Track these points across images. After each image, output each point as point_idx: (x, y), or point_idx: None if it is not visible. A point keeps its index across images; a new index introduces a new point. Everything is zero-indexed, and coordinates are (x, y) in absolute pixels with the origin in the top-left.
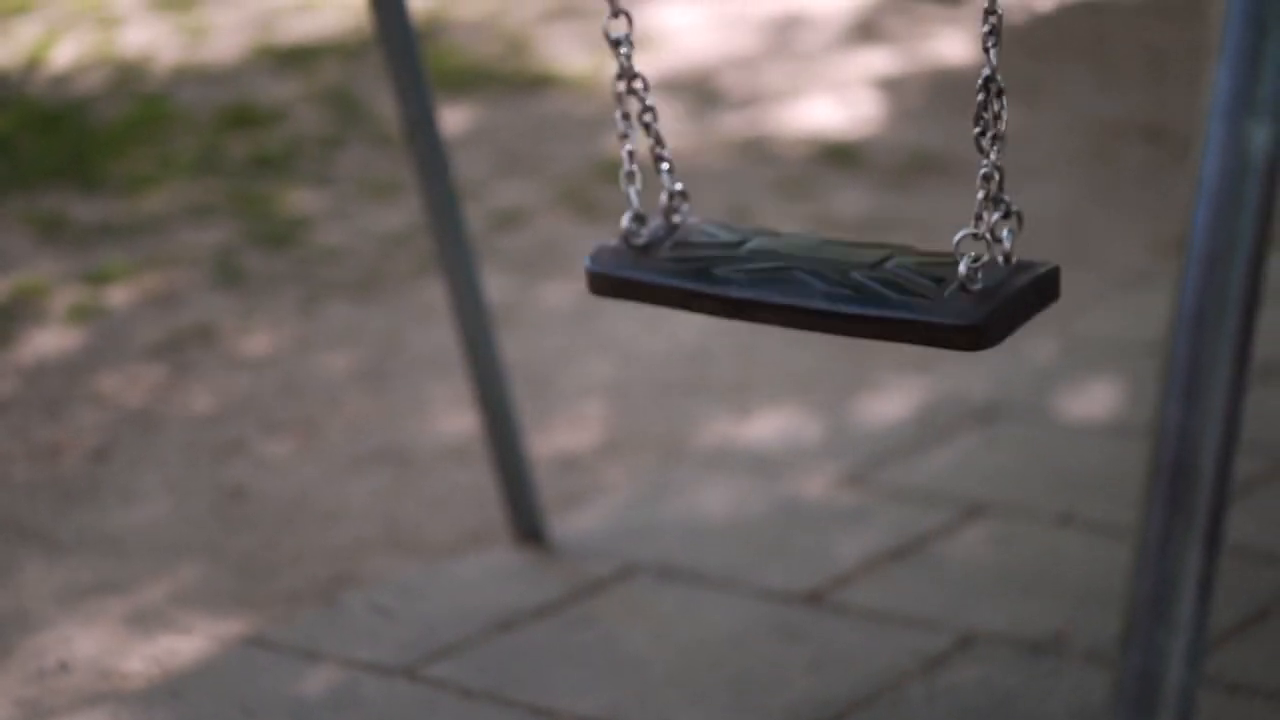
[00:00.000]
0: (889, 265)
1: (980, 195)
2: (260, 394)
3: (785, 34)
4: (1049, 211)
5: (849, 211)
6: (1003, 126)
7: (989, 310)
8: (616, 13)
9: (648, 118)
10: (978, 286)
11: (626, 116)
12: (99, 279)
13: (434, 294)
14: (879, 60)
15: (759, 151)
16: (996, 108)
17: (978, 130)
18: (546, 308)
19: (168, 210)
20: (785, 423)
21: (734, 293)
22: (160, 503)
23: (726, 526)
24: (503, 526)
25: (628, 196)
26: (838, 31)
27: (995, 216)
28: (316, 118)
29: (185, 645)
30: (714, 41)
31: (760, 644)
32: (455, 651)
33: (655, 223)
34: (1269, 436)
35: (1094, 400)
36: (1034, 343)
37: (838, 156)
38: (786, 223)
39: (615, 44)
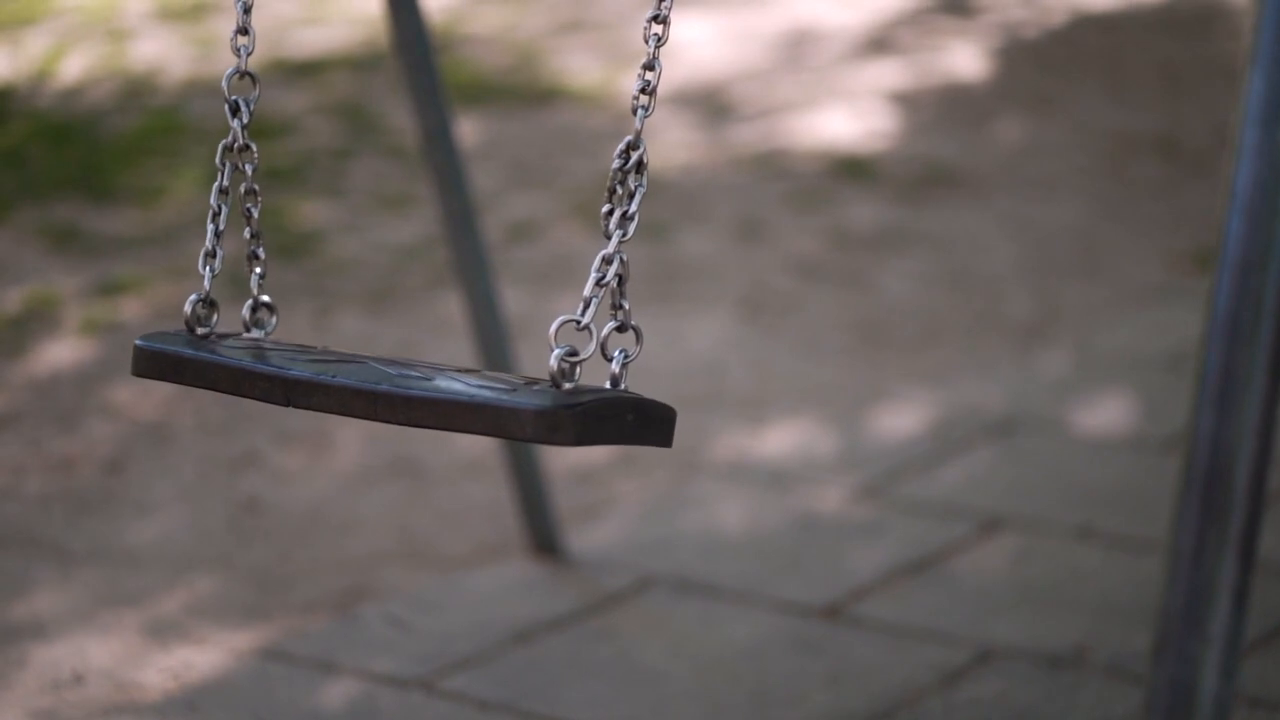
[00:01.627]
0: (481, 372)
1: (592, 279)
2: (274, 406)
3: (797, 47)
4: (1064, 226)
5: (862, 224)
6: (635, 206)
7: (575, 403)
8: (242, 74)
9: (249, 202)
10: (569, 385)
11: (224, 191)
12: (111, 290)
13: (448, 306)
14: (891, 73)
15: (771, 164)
16: (633, 184)
17: (606, 208)
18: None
19: (179, 222)
20: (801, 436)
21: (292, 373)
22: (174, 515)
23: (743, 540)
24: (518, 539)
25: (202, 278)
26: (850, 45)
27: (609, 327)
28: (328, 130)
29: (200, 657)
30: (727, 55)
31: (778, 658)
32: (472, 664)
33: (230, 329)
34: None
35: (1111, 414)
36: (1049, 356)
37: (850, 169)
38: (800, 235)
39: (234, 109)
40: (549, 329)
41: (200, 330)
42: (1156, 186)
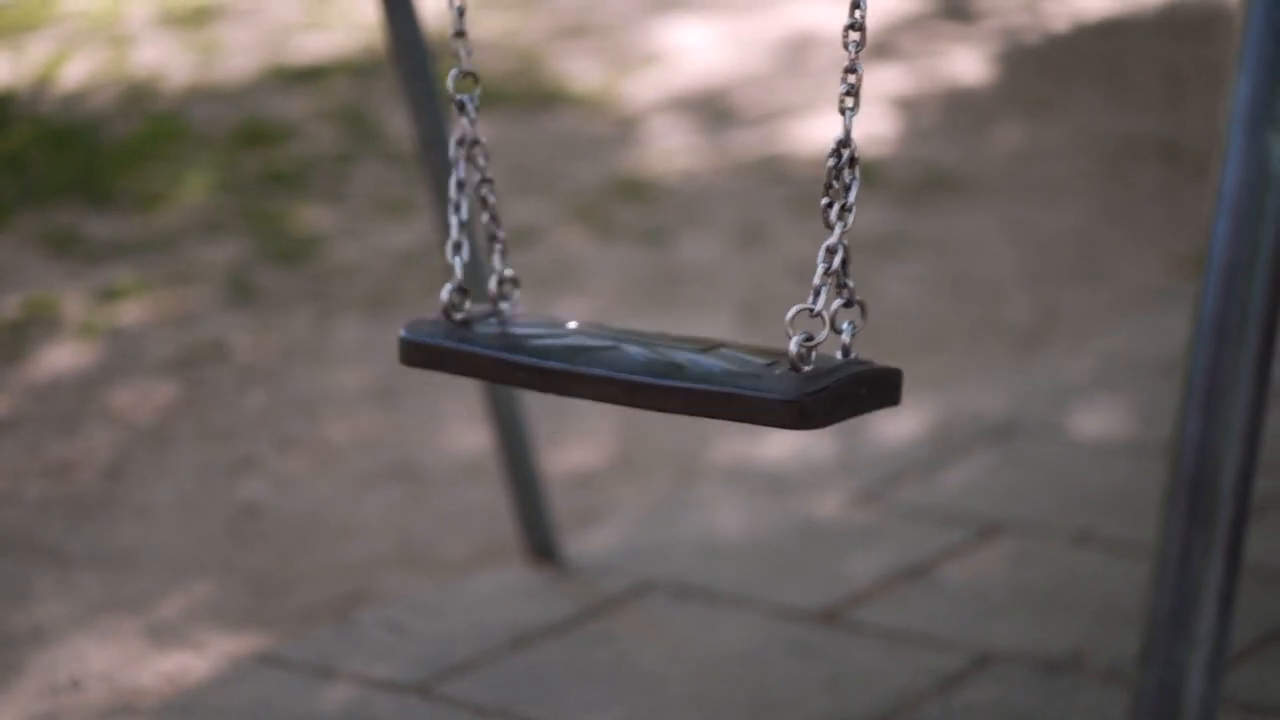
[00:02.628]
0: (720, 351)
1: (820, 269)
2: (273, 410)
3: (799, 52)
4: (1065, 230)
5: (863, 229)
6: (852, 198)
7: (815, 389)
8: (464, 73)
9: (485, 190)
10: (808, 368)
11: (461, 185)
12: (112, 296)
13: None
14: (893, 78)
15: (772, 170)
16: (848, 178)
17: (825, 201)
18: None
19: (180, 227)
20: (800, 441)
21: (550, 364)
22: (173, 519)
23: (741, 545)
24: (516, 544)
25: (452, 267)
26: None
27: (837, 303)
28: (328, 135)
29: (198, 662)
30: (727, 60)
31: (776, 663)
32: (469, 669)
33: (482, 306)
34: None
35: (1110, 418)
36: (1050, 360)
37: None
38: (801, 240)
39: (460, 107)
40: (786, 315)
41: (457, 316)
42: (1157, 190)
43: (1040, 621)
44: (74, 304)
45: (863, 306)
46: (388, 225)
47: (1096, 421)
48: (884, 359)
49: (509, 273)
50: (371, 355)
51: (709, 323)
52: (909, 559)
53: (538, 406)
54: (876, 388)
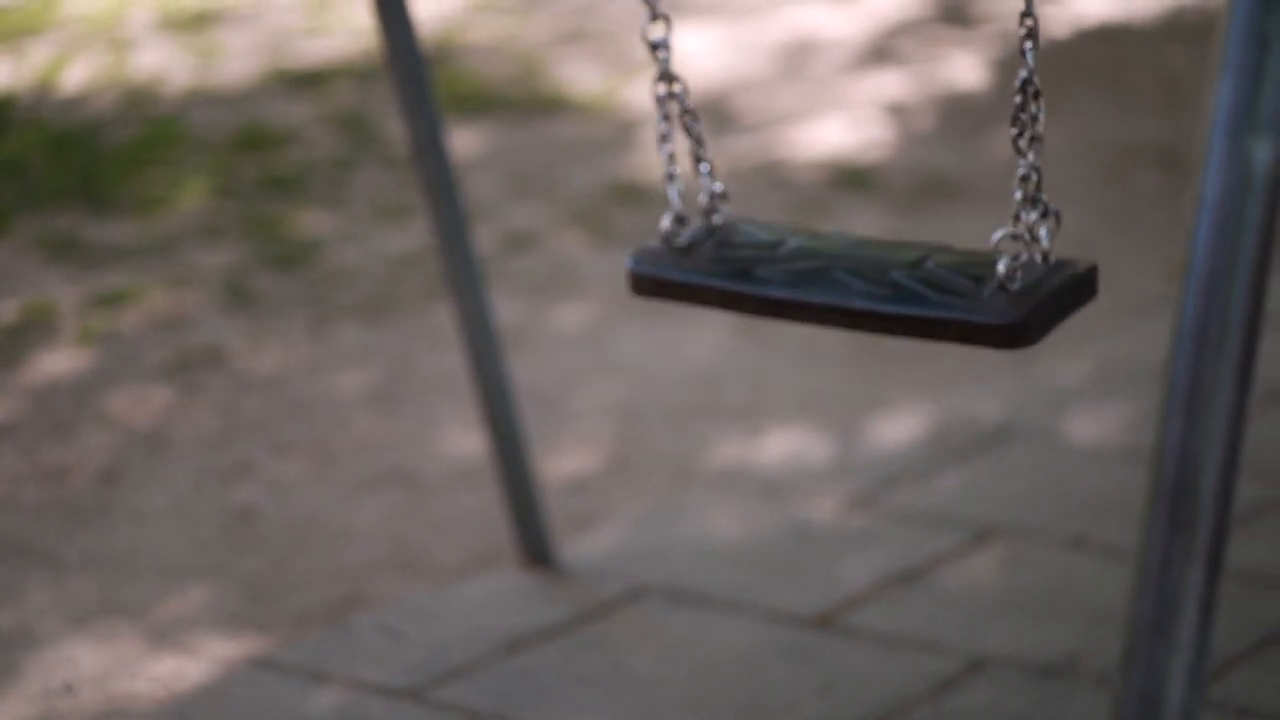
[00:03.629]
0: (928, 265)
1: (1018, 195)
2: (270, 415)
3: (798, 57)
4: (1063, 236)
5: (861, 234)
6: (1039, 128)
7: (1027, 309)
8: (655, 16)
9: (688, 119)
10: (1016, 286)
11: (667, 118)
12: (109, 300)
13: (444, 317)
14: (891, 83)
15: (772, 174)
16: (1034, 110)
17: (1015, 132)
18: (557, 330)
19: (178, 232)
20: (795, 445)
21: (773, 293)
22: (168, 524)
23: (736, 549)
24: (511, 548)
25: (669, 197)
26: (850, 55)
27: (1033, 216)
28: (328, 140)
29: (192, 666)
30: (727, 64)
31: (770, 667)
32: (463, 673)
33: (695, 224)
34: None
35: (1106, 423)
36: (1046, 365)
37: (850, 179)
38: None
39: (654, 47)
40: (992, 237)
41: (678, 243)
42: (1156, 197)
43: (1035, 626)
44: (71, 308)
45: (1057, 216)
46: (386, 230)
47: (1092, 427)
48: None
49: (719, 187)
50: (369, 360)
51: (704, 326)
52: (904, 563)
53: (533, 411)
54: (1078, 289)
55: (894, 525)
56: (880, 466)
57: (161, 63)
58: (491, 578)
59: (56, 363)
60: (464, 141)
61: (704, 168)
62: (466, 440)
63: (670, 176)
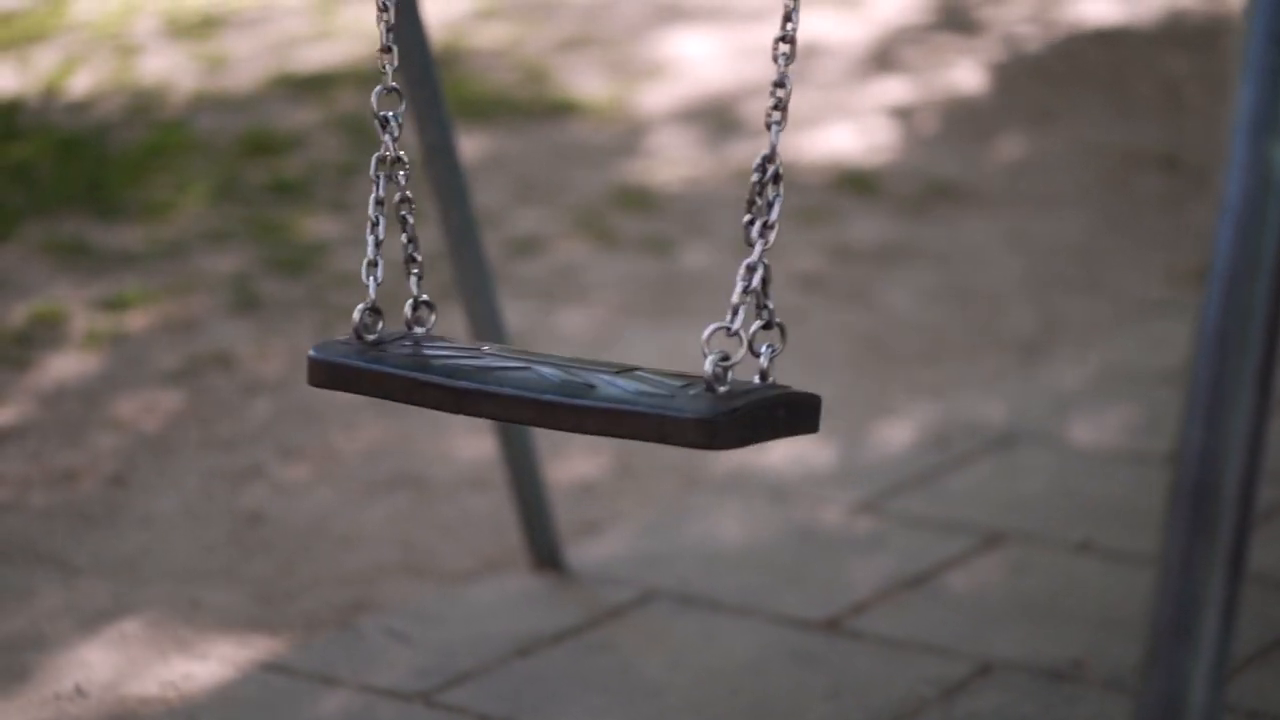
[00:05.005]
0: (636, 373)
1: (739, 288)
2: (278, 419)
3: (802, 63)
4: (1066, 240)
5: (866, 239)
6: (774, 216)
7: (729, 409)
8: (388, 89)
9: (404, 210)
10: (724, 388)
11: (380, 203)
12: (117, 305)
13: (452, 321)
14: (895, 89)
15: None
16: (771, 194)
17: (748, 218)
18: (564, 334)
19: (186, 236)
20: (802, 450)
21: (461, 384)
22: (177, 528)
23: (743, 553)
24: (520, 553)
25: (367, 287)
26: (854, 61)
27: (756, 325)
28: (334, 145)
29: (202, 670)
30: (731, 70)
31: (778, 671)
32: (472, 677)
33: (395, 329)
34: None
35: (1111, 428)
36: (1051, 370)
37: (855, 184)
38: (804, 250)
39: (383, 124)
40: (703, 332)
41: (369, 337)
42: (1158, 201)
43: (1041, 630)
44: (79, 313)
45: (782, 329)
46: (392, 234)
47: (1097, 431)
48: (805, 386)
49: (424, 297)
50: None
51: None
52: (910, 568)
53: None
54: (794, 412)
55: (900, 530)
56: (886, 471)
57: (168, 68)
58: (500, 582)
59: (65, 367)
60: (469, 147)
61: (414, 271)
62: (475, 444)
63: (371, 264)
